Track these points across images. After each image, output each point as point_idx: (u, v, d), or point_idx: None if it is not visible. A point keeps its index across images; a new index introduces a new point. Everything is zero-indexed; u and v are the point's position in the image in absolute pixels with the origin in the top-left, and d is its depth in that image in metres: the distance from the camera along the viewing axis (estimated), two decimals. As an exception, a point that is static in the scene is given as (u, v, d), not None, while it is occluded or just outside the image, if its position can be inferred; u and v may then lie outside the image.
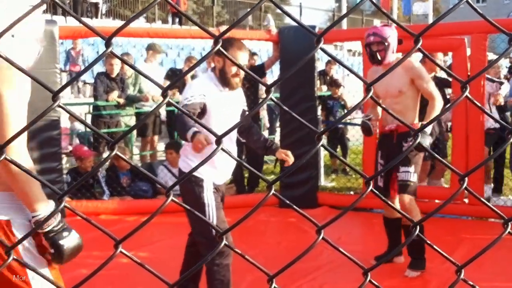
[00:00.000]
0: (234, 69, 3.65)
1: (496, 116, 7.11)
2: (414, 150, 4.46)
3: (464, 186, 1.04)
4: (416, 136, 1.08)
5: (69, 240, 2.01)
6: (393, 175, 4.74)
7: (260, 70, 7.71)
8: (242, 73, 3.69)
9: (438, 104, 4.48)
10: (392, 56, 4.59)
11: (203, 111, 3.64)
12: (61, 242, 1.99)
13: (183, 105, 3.61)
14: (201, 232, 3.66)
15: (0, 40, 1.89)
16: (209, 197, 3.65)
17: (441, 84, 6.98)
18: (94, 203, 6.75)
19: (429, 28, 1.07)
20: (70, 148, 8.72)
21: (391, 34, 4.56)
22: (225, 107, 3.70)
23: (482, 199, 1.14)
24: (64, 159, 8.22)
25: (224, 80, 3.68)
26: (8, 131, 1.96)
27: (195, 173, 3.59)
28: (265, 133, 9.02)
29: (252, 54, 8.75)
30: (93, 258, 5.11)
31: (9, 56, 2.03)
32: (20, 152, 2.03)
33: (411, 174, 4.55)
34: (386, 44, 4.53)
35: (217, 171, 3.69)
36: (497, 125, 6.83)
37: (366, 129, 4.66)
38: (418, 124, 4.60)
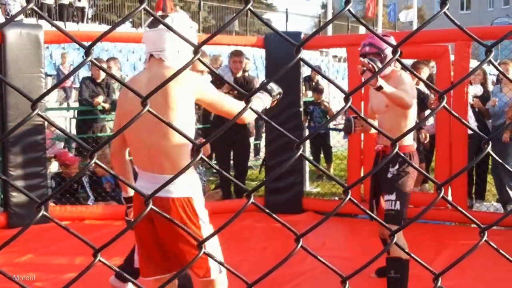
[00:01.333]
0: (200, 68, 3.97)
1: (474, 123, 7.17)
2: (402, 172, 4.19)
3: (441, 196, 1.06)
4: (394, 147, 1.09)
5: (275, 87, 3.19)
6: (382, 196, 4.44)
7: (250, 83, 7.74)
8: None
9: (405, 99, 3.97)
10: (389, 68, 4.23)
11: None
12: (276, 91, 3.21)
13: None
14: None
15: (170, 55, 2.83)
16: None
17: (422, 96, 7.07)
18: (79, 208, 6.71)
19: (408, 39, 1.08)
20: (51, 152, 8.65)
21: (384, 45, 4.19)
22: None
23: (458, 207, 1.15)
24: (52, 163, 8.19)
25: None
26: (229, 105, 2.90)
27: None
28: (251, 139, 9.00)
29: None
30: (76, 264, 5.10)
31: (177, 67, 2.74)
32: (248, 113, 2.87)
33: (393, 202, 4.19)
34: (383, 55, 4.17)
35: None
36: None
37: (347, 126, 4.30)
38: (411, 147, 4.29)
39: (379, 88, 3.90)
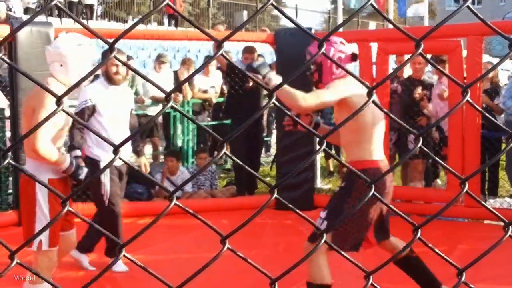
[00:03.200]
0: (114, 69, 4.74)
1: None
2: (344, 190, 3.62)
3: (465, 190, 1.05)
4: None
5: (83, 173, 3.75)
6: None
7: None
8: (122, 72, 4.77)
9: (300, 99, 3.48)
10: (335, 75, 3.70)
11: (93, 111, 4.74)
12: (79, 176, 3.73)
13: (75, 113, 4.83)
14: (99, 204, 4.93)
15: (53, 69, 3.71)
16: (105, 178, 4.77)
17: (411, 85, 7.03)
18: (90, 205, 6.71)
19: (431, 33, 1.08)
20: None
21: (327, 51, 3.60)
22: (111, 102, 4.76)
23: (483, 202, 1.15)
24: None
25: (108, 78, 4.80)
26: (39, 134, 3.34)
27: (93, 157, 4.77)
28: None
29: (258, 56, 8.76)
30: (95, 259, 5.12)
31: (62, 80, 3.60)
32: (46, 143, 3.45)
33: (321, 220, 3.60)
34: (318, 63, 3.72)
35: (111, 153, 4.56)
36: None
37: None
38: (374, 163, 3.61)
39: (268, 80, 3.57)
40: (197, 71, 1.07)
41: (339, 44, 3.77)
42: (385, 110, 1.10)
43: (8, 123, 6.85)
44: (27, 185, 3.55)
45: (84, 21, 19.15)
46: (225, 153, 1.04)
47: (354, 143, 3.61)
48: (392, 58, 7.78)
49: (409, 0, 23.85)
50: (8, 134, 7.12)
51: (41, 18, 16.24)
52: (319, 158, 8.44)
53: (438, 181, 7.89)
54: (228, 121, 8.35)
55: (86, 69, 3.50)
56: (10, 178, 6.87)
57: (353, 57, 3.77)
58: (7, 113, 6.89)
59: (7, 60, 0.87)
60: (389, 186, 3.69)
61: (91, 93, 4.76)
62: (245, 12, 25.75)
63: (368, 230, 3.67)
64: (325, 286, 3.63)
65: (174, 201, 1.02)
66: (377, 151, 3.66)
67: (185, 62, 9.18)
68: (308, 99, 3.46)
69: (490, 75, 7.51)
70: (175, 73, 9.27)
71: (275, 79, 3.56)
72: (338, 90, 3.55)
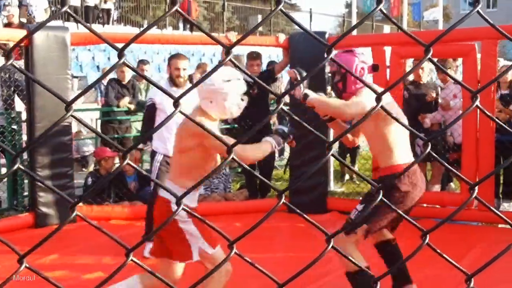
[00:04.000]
0: (176, 72, 5.22)
1: None
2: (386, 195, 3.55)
3: (474, 196, 1.05)
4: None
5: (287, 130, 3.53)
6: None
7: (270, 75, 7.67)
8: (182, 74, 5.20)
9: (336, 107, 3.75)
10: (358, 85, 3.89)
11: (155, 109, 5.28)
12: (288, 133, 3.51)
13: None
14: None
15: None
16: (156, 166, 5.24)
17: (415, 88, 7.04)
18: (104, 208, 6.77)
19: (440, 38, 1.07)
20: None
21: (351, 61, 3.88)
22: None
23: (492, 208, 1.14)
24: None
25: (171, 80, 5.27)
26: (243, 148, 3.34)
27: (154, 148, 5.30)
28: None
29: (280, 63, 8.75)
30: (103, 263, 5.15)
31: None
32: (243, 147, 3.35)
33: (355, 211, 3.92)
34: (342, 73, 3.91)
35: (168, 145, 4.85)
36: None
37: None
38: (401, 167, 3.75)
39: (305, 97, 3.81)
40: (204, 78, 1.07)
41: (361, 55, 3.94)
42: (394, 116, 1.10)
43: (24, 126, 6.92)
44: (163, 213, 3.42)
45: (101, 26, 19.32)
46: (233, 158, 1.05)
47: (384, 151, 3.82)
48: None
49: (424, 3, 23.74)
50: (24, 137, 7.19)
51: (58, 22, 16.39)
52: (333, 161, 8.41)
53: (452, 184, 7.84)
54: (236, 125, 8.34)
55: (235, 102, 3.49)
56: (26, 181, 6.94)
57: (374, 68, 3.95)
58: (24, 116, 6.96)
59: (17, 66, 0.88)
60: (415, 188, 3.77)
61: (154, 93, 5.38)
62: (259, 16, 25.80)
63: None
64: (362, 270, 3.76)
65: (182, 206, 1.02)
66: (404, 154, 3.82)
67: (200, 66, 9.22)
68: (351, 106, 3.65)
69: (509, 79, 7.45)
70: (190, 76, 9.31)
71: (309, 93, 3.83)
72: (371, 100, 3.54)
